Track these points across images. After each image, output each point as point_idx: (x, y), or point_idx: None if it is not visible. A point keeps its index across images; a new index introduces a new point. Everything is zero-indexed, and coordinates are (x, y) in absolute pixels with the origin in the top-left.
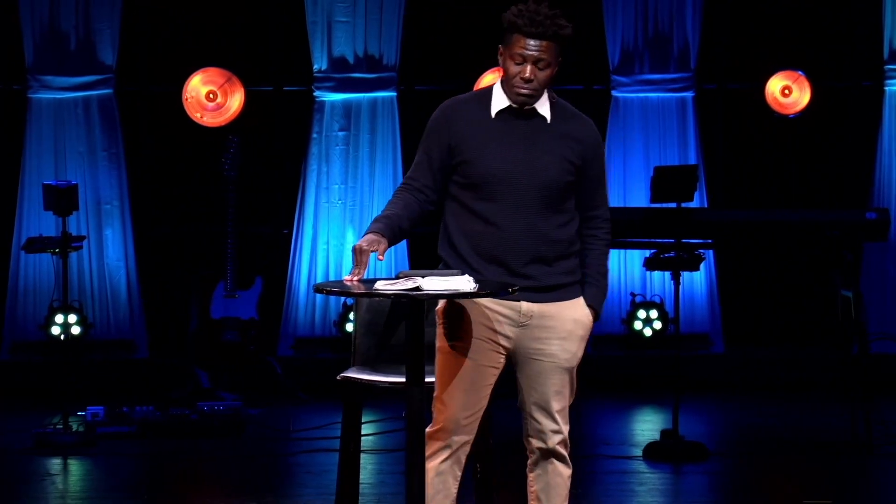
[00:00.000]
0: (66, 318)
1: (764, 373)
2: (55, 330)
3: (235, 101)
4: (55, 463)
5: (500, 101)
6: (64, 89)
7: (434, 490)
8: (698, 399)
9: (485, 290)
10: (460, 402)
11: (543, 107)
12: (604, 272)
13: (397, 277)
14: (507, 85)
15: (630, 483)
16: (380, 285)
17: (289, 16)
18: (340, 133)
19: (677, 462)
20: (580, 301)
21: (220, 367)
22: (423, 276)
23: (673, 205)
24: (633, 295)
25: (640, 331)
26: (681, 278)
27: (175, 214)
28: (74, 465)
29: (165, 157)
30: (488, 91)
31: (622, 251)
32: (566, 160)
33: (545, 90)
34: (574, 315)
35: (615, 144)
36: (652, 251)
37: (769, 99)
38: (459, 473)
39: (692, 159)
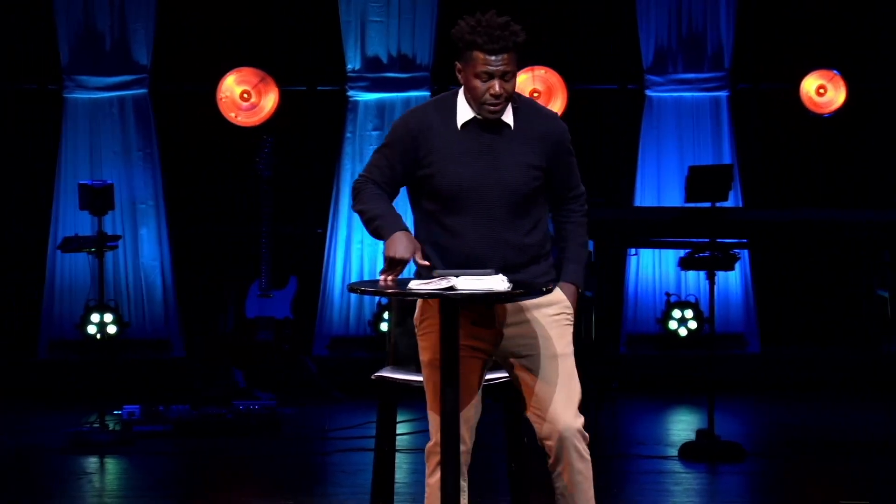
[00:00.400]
0: (101, 318)
1: (799, 372)
2: (91, 329)
3: (269, 100)
4: (92, 462)
5: (465, 112)
6: (99, 89)
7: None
8: (734, 399)
9: (518, 289)
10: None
11: (507, 114)
12: (582, 242)
13: (431, 277)
14: (474, 103)
15: (665, 483)
16: (413, 285)
17: (322, 16)
18: (374, 132)
19: (713, 462)
20: (556, 291)
21: (255, 367)
22: (456, 276)
23: (707, 204)
24: (667, 295)
25: (676, 330)
26: (716, 278)
27: (210, 214)
28: (111, 464)
29: (200, 156)
30: (451, 100)
31: (657, 251)
32: (531, 167)
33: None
34: (552, 300)
35: (649, 144)
36: (687, 251)
37: (804, 98)
38: (465, 484)
39: (727, 159)
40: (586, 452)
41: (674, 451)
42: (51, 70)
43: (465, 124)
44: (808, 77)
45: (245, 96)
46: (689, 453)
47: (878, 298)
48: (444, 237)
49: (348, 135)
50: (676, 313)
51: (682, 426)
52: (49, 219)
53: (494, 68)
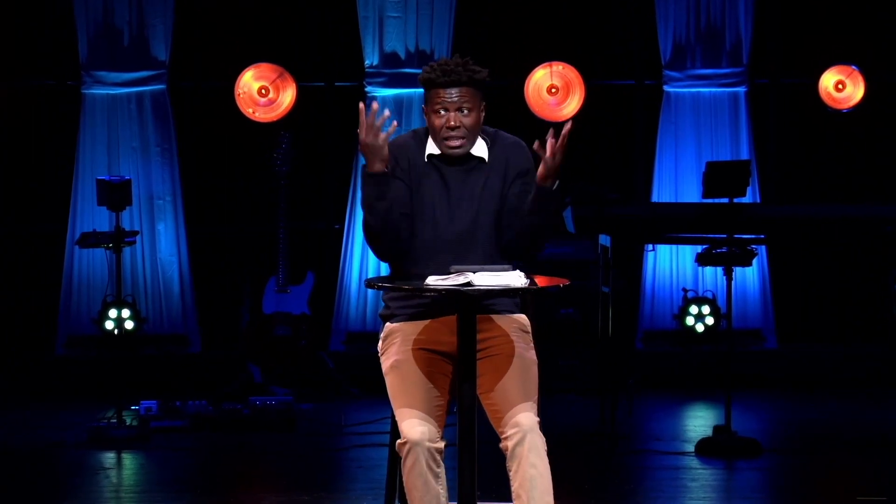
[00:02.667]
0: (119, 313)
1: (817, 369)
2: (109, 324)
3: (287, 96)
4: (109, 457)
5: (431, 147)
6: (117, 85)
7: (420, 493)
8: (751, 395)
9: (535, 286)
10: (423, 411)
11: (480, 149)
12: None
13: (449, 273)
14: (436, 140)
15: (682, 479)
16: (431, 280)
17: (340, 11)
18: None
19: (730, 458)
20: (525, 319)
21: (272, 362)
22: (474, 272)
23: (725, 200)
24: (685, 290)
25: (693, 326)
26: (733, 274)
27: (227, 209)
28: (128, 460)
29: (217, 152)
30: (424, 135)
31: (674, 246)
32: (498, 196)
33: (478, 134)
34: (521, 322)
35: (667, 140)
36: (704, 246)
37: (823, 94)
38: (441, 471)
39: (744, 154)
40: (544, 449)
41: (691, 447)
42: (69, 66)
43: (430, 156)
44: (827, 72)
45: (263, 92)
46: (706, 449)
47: (895, 294)
48: (415, 267)
49: None
50: (693, 309)
51: (699, 422)
52: (67, 214)
53: (450, 101)
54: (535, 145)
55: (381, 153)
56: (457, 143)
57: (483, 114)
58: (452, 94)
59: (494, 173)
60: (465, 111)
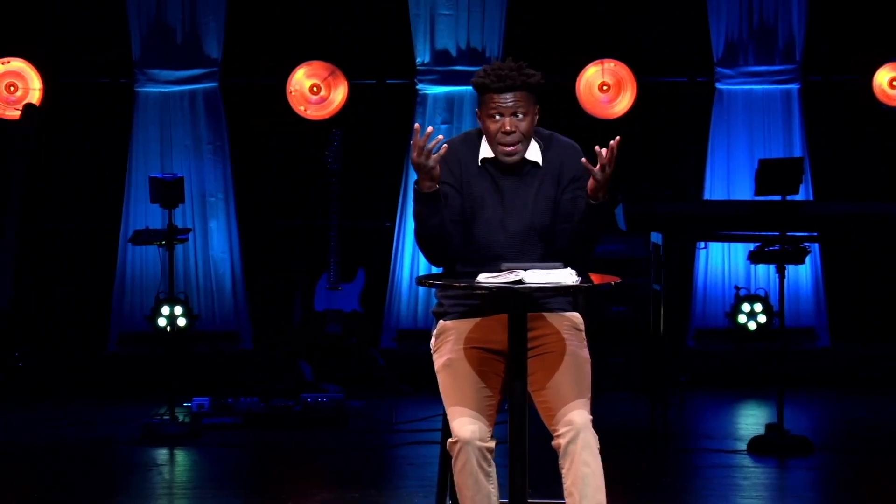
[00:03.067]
0: (171, 310)
1: (870, 367)
2: (161, 321)
3: (339, 94)
4: (162, 453)
5: (485, 150)
6: (170, 83)
7: (472, 492)
8: (803, 393)
9: (586, 283)
10: (474, 409)
11: (534, 153)
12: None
13: (499, 270)
14: (491, 144)
15: (734, 477)
16: (482, 278)
17: (391, 9)
18: (443, 126)
19: (782, 457)
20: (577, 316)
21: (323, 360)
22: (525, 270)
23: (778, 197)
24: (737, 288)
25: (745, 324)
26: (786, 271)
27: (279, 207)
28: (181, 456)
29: (269, 149)
30: (476, 138)
31: (726, 244)
32: (551, 200)
33: (532, 138)
34: (574, 320)
35: (719, 137)
36: (756, 244)
37: (876, 91)
38: (492, 469)
39: (797, 152)
40: (597, 447)
41: (743, 446)
42: (123, 64)
43: (484, 160)
44: (881, 69)
45: (315, 90)
46: (758, 448)
47: None
48: (466, 266)
49: None
50: (746, 307)
51: (752, 420)
52: (120, 212)
53: (505, 105)
54: (584, 161)
55: (432, 173)
56: (511, 148)
57: (537, 117)
58: (507, 98)
59: (548, 178)
60: (520, 115)
